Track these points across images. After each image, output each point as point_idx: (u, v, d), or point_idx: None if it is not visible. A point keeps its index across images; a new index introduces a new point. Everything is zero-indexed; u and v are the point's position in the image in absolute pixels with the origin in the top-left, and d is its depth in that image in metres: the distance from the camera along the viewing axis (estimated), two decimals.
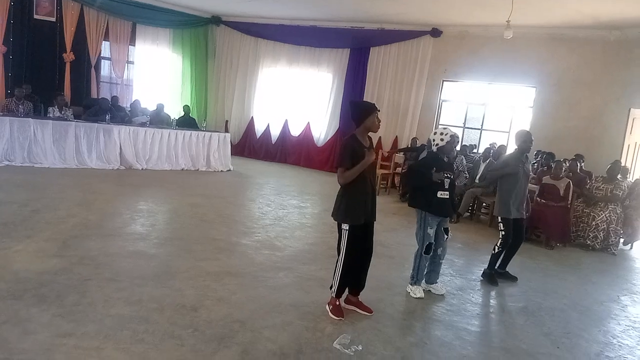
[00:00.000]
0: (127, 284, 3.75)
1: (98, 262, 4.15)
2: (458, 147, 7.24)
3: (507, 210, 4.79)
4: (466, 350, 3.37)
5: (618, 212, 7.01)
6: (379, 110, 3.63)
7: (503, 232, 4.85)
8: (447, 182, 4.20)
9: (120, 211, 6.04)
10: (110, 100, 10.45)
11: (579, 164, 8.11)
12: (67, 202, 6.11)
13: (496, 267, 4.99)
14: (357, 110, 3.64)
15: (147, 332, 3.05)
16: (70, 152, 8.48)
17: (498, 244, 4.90)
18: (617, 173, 7.25)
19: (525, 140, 4.78)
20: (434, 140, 4.28)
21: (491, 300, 4.46)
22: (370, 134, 3.67)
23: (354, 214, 3.56)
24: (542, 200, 7.00)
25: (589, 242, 6.95)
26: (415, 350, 3.29)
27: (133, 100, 11.30)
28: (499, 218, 4.91)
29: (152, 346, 2.90)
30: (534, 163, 8.65)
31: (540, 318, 4.16)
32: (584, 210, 7.15)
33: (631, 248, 7.35)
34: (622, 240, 7.25)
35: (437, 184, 4.15)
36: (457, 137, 4.39)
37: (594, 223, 6.94)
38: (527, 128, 10.24)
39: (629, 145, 8.97)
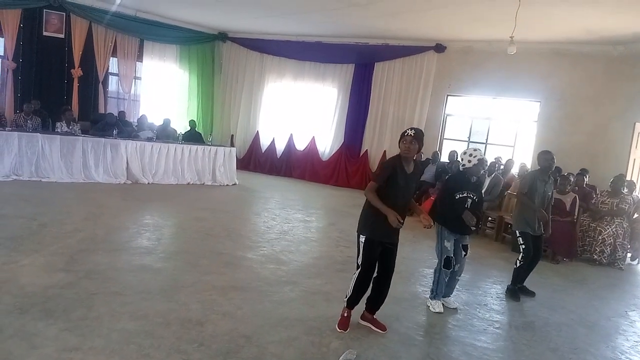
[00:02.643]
0: (133, 299, 3.76)
1: (105, 277, 4.16)
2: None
3: (526, 225, 4.89)
4: None
5: (625, 226, 6.97)
6: (408, 135, 3.58)
7: (523, 246, 4.91)
8: (469, 202, 4.25)
9: (127, 225, 6.07)
10: (117, 115, 10.55)
11: (584, 179, 8.11)
12: (74, 216, 6.15)
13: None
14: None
15: (152, 346, 3.05)
16: (78, 167, 8.55)
17: (519, 258, 4.96)
18: (621, 186, 7.23)
19: (547, 158, 4.90)
20: (462, 159, 4.35)
21: (498, 316, 4.43)
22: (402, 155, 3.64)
23: (371, 227, 3.55)
24: (549, 216, 6.97)
25: (595, 256, 6.91)
26: None
27: (140, 115, 11.41)
28: (518, 232, 4.97)
29: None
30: None
31: (547, 333, 4.13)
32: (590, 224, 7.12)
33: (638, 263, 7.29)
34: (629, 254, 7.20)
35: (459, 203, 4.19)
36: (486, 161, 4.46)
37: (600, 237, 6.90)
38: (531, 142, 10.29)
39: (634, 159, 8.94)
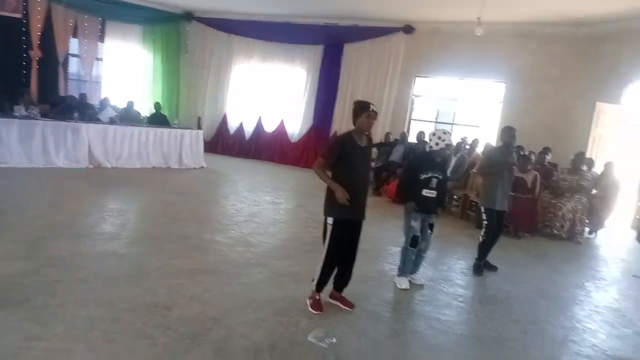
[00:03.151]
0: (98, 285, 3.69)
1: (68, 263, 4.07)
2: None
3: (492, 201, 5.02)
4: (437, 339, 3.45)
5: (584, 202, 7.23)
6: (373, 111, 3.53)
7: (486, 222, 5.06)
8: (434, 181, 4.30)
9: (90, 211, 5.93)
10: (78, 97, 10.21)
11: (546, 157, 8.35)
12: (34, 202, 5.97)
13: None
14: (353, 109, 3.58)
15: (118, 332, 3.02)
16: (37, 152, 8.25)
17: (482, 234, 5.10)
18: (581, 164, 7.49)
19: (509, 135, 5.02)
20: (430, 140, 4.38)
21: (462, 290, 4.56)
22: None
23: (339, 209, 3.53)
24: (510, 193, 7.16)
25: (555, 231, 7.16)
26: (389, 341, 3.34)
27: (102, 97, 11.08)
28: (482, 208, 5.11)
29: (123, 346, 2.87)
30: None
31: (509, 306, 4.28)
32: (551, 201, 7.36)
33: (596, 237, 7.60)
34: (587, 229, 7.49)
35: (423, 182, 4.25)
36: (452, 146, 4.51)
37: (560, 213, 7.14)
38: (497, 122, 10.49)
39: (594, 137, 9.24)
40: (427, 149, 4.43)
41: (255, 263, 4.63)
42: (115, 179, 8.15)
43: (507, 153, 5.07)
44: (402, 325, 3.67)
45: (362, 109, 3.51)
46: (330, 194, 3.57)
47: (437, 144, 4.29)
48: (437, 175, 4.32)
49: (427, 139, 4.45)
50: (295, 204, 7.91)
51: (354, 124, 3.56)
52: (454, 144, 8.72)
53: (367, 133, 3.65)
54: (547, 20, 9.50)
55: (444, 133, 4.35)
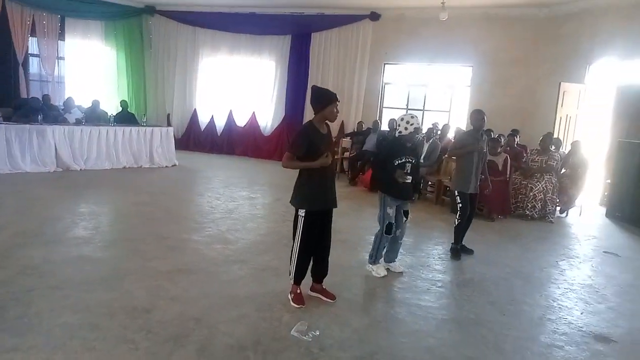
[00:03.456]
0: (74, 291, 3.61)
1: (41, 271, 3.96)
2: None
3: (465, 185, 5.09)
4: (418, 325, 3.50)
5: (553, 181, 7.43)
6: (338, 101, 3.56)
7: (460, 205, 5.13)
8: (408, 166, 4.31)
9: (61, 216, 5.77)
10: (41, 99, 9.88)
11: (515, 139, 8.53)
12: (2, 209, 5.78)
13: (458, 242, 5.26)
14: (317, 98, 3.56)
15: (98, 339, 2.96)
16: (2, 157, 7.96)
17: (457, 217, 5.17)
18: (549, 144, 7.68)
19: (478, 118, 5.06)
20: (398, 125, 4.35)
21: (440, 275, 4.64)
22: None
23: (311, 200, 3.55)
24: (482, 176, 7.30)
25: (527, 212, 7.34)
26: (371, 330, 3.38)
27: (66, 97, 10.75)
28: (456, 192, 5.18)
29: (104, 353, 2.82)
30: None
31: (486, 288, 4.37)
32: (522, 182, 7.53)
33: (567, 215, 7.82)
34: (558, 208, 7.70)
35: (398, 168, 4.25)
36: (420, 130, 4.49)
37: (531, 194, 7.33)
38: (466, 106, 10.66)
39: (560, 117, 9.47)
40: (397, 134, 4.40)
41: (235, 260, 4.60)
42: (85, 181, 7.95)
43: (478, 136, 5.15)
44: (383, 313, 3.72)
45: (330, 100, 3.51)
46: (303, 185, 3.57)
47: (405, 128, 4.28)
48: (410, 159, 4.33)
49: (397, 125, 4.43)
50: (272, 198, 7.88)
51: (319, 112, 3.54)
52: (425, 129, 8.83)
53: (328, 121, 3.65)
54: (510, 3, 9.67)
55: (412, 117, 4.33)
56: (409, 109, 11.74)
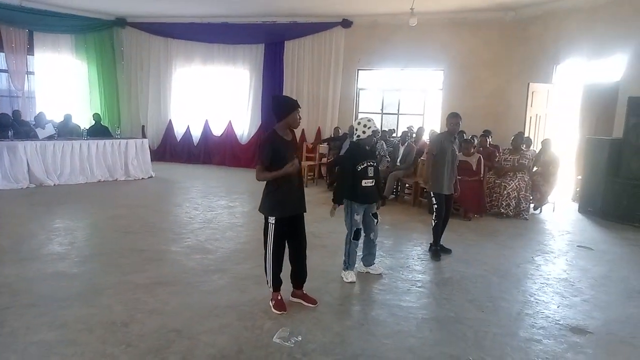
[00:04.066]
0: (50, 308, 3.54)
1: (15, 289, 3.88)
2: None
3: (440, 186, 5.19)
4: (399, 325, 3.54)
5: (526, 179, 7.59)
6: (300, 108, 3.65)
7: (436, 206, 5.22)
8: (370, 170, 4.32)
9: (35, 232, 5.65)
10: (11, 115, 9.68)
11: (487, 139, 8.71)
12: None
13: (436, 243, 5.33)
14: (279, 106, 3.63)
15: (76, 354, 2.91)
16: None
17: (433, 217, 5.26)
18: (521, 143, 7.85)
19: (453, 122, 5.16)
20: (356, 130, 4.35)
21: (420, 275, 4.69)
22: None
23: (280, 207, 3.59)
24: (457, 177, 7.43)
25: (502, 210, 7.48)
26: (354, 333, 3.40)
27: (37, 113, 10.54)
28: (432, 193, 5.27)
29: None
30: None
31: (464, 286, 4.44)
32: (496, 181, 7.68)
33: (541, 212, 7.99)
34: (532, 205, 7.87)
35: (361, 174, 4.27)
36: (378, 132, 4.53)
37: (505, 192, 7.47)
38: (439, 109, 10.84)
39: (530, 117, 9.70)
40: (355, 138, 4.40)
41: (215, 269, 4.58)
42: (59, 196, 7.79)
43: (451, 139, 5.25)
44: (365, 315, 3.74)
45: (292, 107, 3.57)
46: (272, 193, 3.60)
47: (364, 132, 4.29)
48: (371, 163, 4.34)
49: (354, 129, 4.44)
50: (250, 206, 7.84)
51: (282, 119, 3.58)
52: (400, 132, 8.94)
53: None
54: (477, 7, 9.91)
55: (369, 120, 4.33)
56: (384, 114, 11.90)
